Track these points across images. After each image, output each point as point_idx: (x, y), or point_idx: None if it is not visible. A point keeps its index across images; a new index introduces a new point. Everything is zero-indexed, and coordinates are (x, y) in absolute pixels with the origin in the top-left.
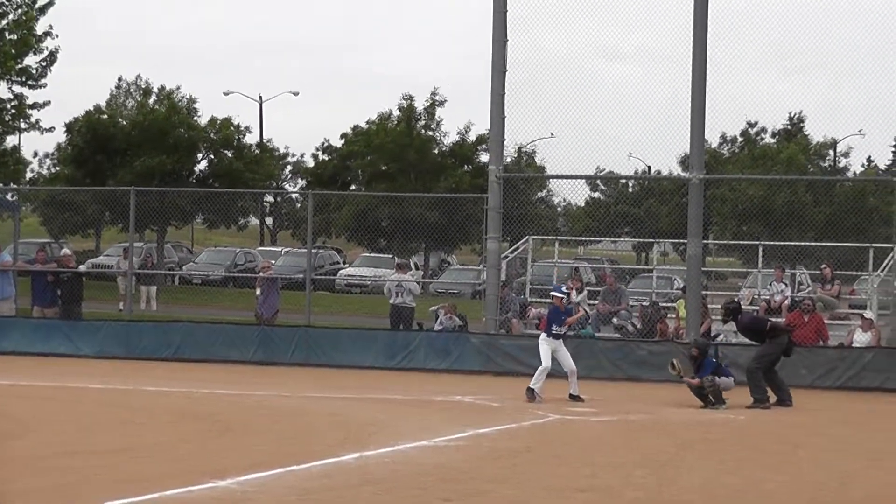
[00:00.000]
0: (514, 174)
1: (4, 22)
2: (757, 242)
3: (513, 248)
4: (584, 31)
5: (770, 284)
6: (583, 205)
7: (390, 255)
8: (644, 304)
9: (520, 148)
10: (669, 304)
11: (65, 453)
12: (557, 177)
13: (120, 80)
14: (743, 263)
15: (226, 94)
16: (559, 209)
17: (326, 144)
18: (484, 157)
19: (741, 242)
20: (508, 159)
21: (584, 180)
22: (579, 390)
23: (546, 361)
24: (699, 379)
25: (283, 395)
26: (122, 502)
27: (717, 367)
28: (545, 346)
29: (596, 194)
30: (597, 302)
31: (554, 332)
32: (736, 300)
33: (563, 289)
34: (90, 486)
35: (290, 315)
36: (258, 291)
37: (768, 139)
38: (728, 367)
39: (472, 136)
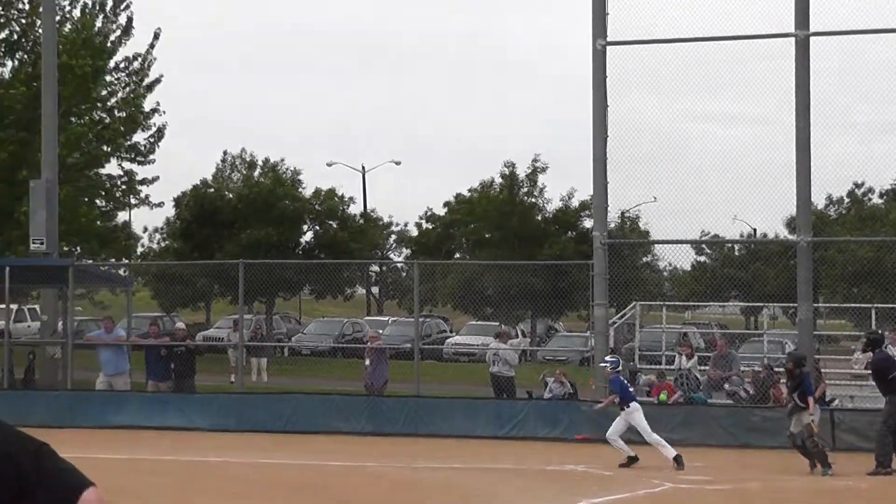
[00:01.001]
0: (619, 240)
1: (114, 100)
2: (869, 305)
3: (620, 313)
4: (684, 95)
5: (885, 347)
6: (689, 269)
7: (497, 323)
8: (756, 368)
9: (623, 213)
10: (781, 369)
11: None
12: (662, 242)
13: (225, 153)
14: (855, 326)
15: (329, 164)
16: (665, 274)
17: (430, 213)
18: (587, 223)
19: (853, 305)
20: (612, 224)
21: (689, 244)
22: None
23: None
24: (808, 423)
25: (396, 466)
26: None
27: (807, 384)
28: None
29: (701, 258)
30: (707, 367)
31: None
32: (881, 332)
33: (608, 357)
34: None
35: (399, 385)
36: (367, 362)
37: (876, 200)
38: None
39: (574, 202)
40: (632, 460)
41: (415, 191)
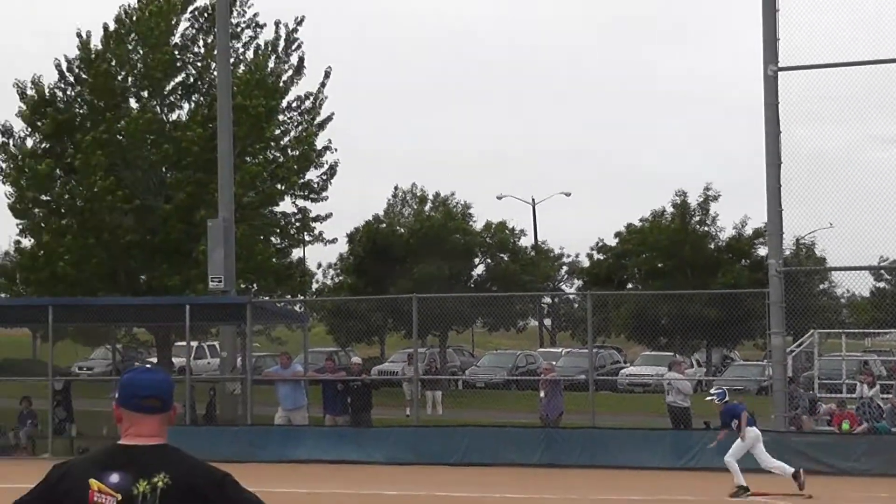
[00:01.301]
0: (795, 268)
1: (287, 139)
2: None
3: (797, 342)
4: (859, 119)
5: None
6: (867, 295)
7: (671, 353)
8: None
9: (798, 240)
10: None
11: None
12: (839, 269)
13: (396, 188)
14: None
15: (499, 198)
16: (843, 301)
17: (601, 244)
18: (762, 251)
19: None
20: (787, 252)
21: (867, 270)
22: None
23: None
24: None
25: (572, 498)
26: None
27: None
28: None
29: (881, 284)
30: (890, 395)
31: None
32: None
33: (713, 391)
34: None
35: (573, 416)
36: (542, 393)
37: None
38: None
39: (748, 230)
40: (742, 490)
41: (585, 222)
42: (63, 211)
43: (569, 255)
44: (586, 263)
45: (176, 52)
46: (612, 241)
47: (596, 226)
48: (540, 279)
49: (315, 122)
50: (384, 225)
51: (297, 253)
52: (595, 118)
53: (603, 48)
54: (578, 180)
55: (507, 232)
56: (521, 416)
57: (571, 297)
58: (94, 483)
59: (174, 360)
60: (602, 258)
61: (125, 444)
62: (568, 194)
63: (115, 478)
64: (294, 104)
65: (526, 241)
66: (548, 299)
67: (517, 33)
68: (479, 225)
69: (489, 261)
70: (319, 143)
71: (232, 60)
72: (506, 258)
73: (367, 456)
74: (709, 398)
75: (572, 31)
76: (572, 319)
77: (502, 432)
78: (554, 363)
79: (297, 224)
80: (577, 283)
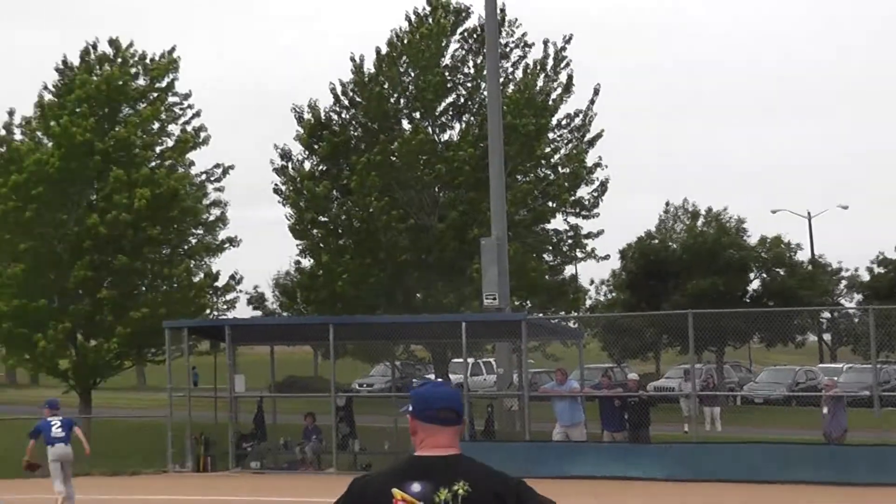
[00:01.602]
0: None
1: (557, 157)
2: None
3: None
4: None
5: None
6: None
7: None
8: None
9: None
10: None
11: None
12: None
13: (667, 204)
14: None
15: (773, 212)
16: None
17: (881, 257)
18: None
19: None
20: None
21: None
22: None
23: None
24: None
25: None
26: None
27: None
28: None
29: None
30: None
31: None
32: None
33: None
34: None
35: (858, 433)
36: (824, 410)
37: None
38: None
39: None
40: None
41: (863, 235)
42: (340, 231)
43: (847, 269)
44: (866, 277)
45: (446, 74)
46: (894, 255)
47: (875, 239)
48: (818, 294)
49: (585, 140)
50: (656, 241)
51: (569, 270)
52: (869, 129)
53: (877, 55)
54: (855, 193)
55: (782, 246)
56: (803, 432)
57: (852, 311)
58: (396, 493)
59: (451, 376)
60: (883, 271)
61: (423, 455)
62: (845, 207)
63: (416, 487)
64: (564, 122)
65: (802, 256)
66: (827, 314)
67: (785, 45)
68: (753, 240)
69: (765, 276)
70: (590, 160)
71: (501, 80)
72: (782, 273)
73: (646, 473)
74: None
75: (843, 40)
76: (853, 334)
77: (784, 449)
78: (836, 379)
79: (570, 241)
80: (857, 297)
